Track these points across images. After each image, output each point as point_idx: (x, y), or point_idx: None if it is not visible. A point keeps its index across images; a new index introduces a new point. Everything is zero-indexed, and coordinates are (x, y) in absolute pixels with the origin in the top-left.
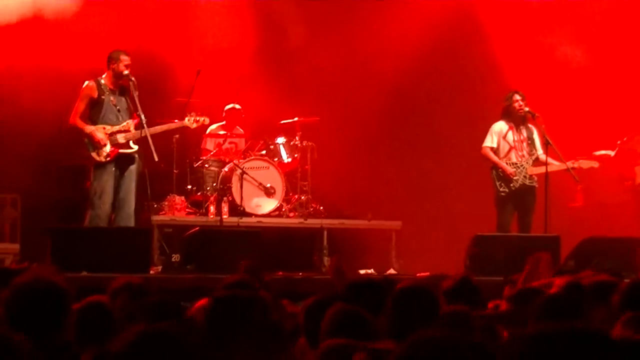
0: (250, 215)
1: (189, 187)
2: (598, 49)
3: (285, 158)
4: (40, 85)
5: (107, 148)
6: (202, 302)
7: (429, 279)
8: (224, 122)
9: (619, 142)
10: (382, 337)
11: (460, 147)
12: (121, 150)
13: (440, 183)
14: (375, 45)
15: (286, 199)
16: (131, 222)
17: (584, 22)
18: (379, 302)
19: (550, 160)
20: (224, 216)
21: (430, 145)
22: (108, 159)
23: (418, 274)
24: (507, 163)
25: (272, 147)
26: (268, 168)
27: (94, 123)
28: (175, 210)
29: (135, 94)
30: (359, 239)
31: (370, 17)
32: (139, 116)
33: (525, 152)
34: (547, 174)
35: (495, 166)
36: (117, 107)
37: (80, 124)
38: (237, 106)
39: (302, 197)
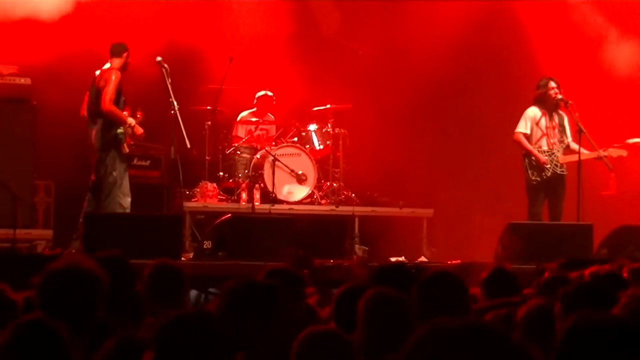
0: (282, 202)
1: (221, 174)
2: (632, 36)
3: (317, 145)
4: (75, 72)
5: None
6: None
7: (460, 266)
8: (255, 109)
9: None
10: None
11: (494, 134)
12: (132, 142)
13: (472, 171)
14: (408, 32)
15: (318, 186)
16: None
17: (619, 7)
18: (407, 286)
19: (582, 149)
20: (256, 203)
21: (463, 132)
22: (128, 150)
23: (449, 262)
24: (538, 150)
25: (304, 134)
26: (300, 155)
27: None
28: (207, 197)
29: (168, 81)
30: (391, 226)
31: (404, 3)
32: (172, 103)
33: (556, 140)
34: (580, 162)
35: (527, 154)
36: (124, 99)
37: (120, 113)
38: (269, 93)
39: (334, 184)
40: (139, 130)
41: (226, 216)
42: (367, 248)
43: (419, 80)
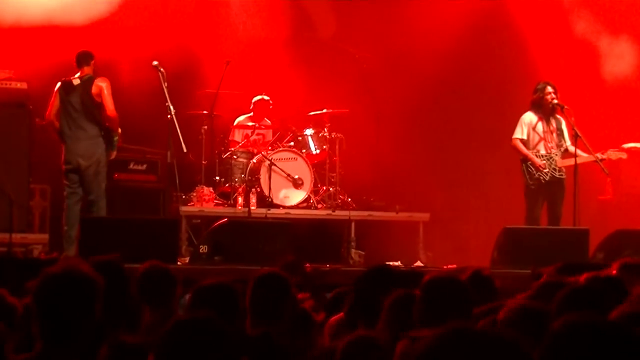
0: (278, 206)
1: (217, 178)
2: (628, 39)
3: (314, 149)
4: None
5: None
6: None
7: (456, 271)
8: (251, 114)
9: None
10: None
11: (490, 139)
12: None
13: (469, 175)
14: (405, 36)
15: (314, 191)
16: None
17: (615, 11)
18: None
19: (578, 152)
20: (252, 207)
21: (460, 137)
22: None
23: (445, 267)
24: (536, 155)
25: (300, 138)
26: (296, 159)
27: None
28: (204, 201)
29: (165, 85)
30: (387, 230)
31: (401, 8)
32: (168, 107)
33: (554, 144)
34: (576, 166)
35: (525, 158)
36: None
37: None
38: (266, 97)
39: (330, 189)
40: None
41: (222, 220)
42: (363, 252)
43: (416, 85)
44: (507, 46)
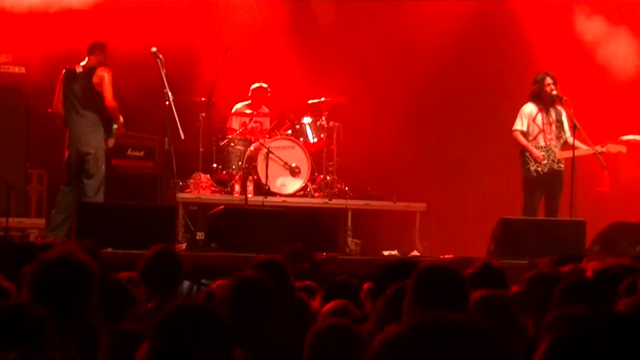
0: (275, 194)
1: (215, 165)
2: (629, 31)
3: (311, 138)
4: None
5: None
6: (222, 281)
7: (453, 261)
8: (249, 102)
9: None
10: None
11: (488, 129)
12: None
13: (466, 165)
14: (404, 25)
15: (311, 179)
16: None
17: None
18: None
19: (578, 144)
20: (249, 195)
21: (458, 127)
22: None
23: (442, 256)
24: (535, 146)
25: (298, 126)
26: (294, 148)
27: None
28: (201, 189)
29: (163, 72)
30: (384, 220)
31: None
32: (166, 94)
33: (553, 135)
34: (574, 158)
35: (524, 150)
36: None
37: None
38: (264, 85)
39: (328, 178)
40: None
41: (219, 208)
42: (359, 241)
43: (414, 73)
44: (507, 38)
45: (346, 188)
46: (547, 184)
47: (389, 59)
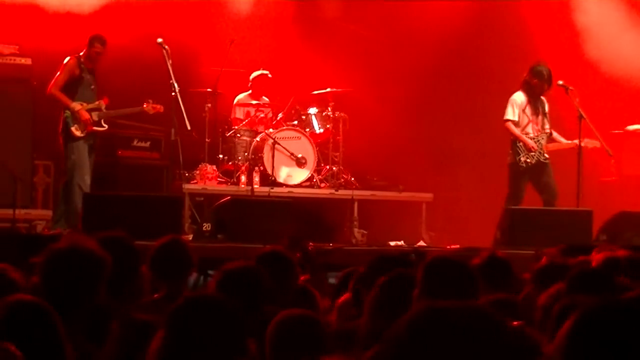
0: (281, 185)
1: (221, 156)
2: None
3: (317, 128)
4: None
5: (85, 125)
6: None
7: (459, 251)
8: (250, 92)
9: None
10: None
11: (493, 119)
12: (95, 128)
13: (472, 155)
14: (410, 16)
15: (317, 170)
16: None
17: None
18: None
19: (558, 137)
20: (255, 186)
21: (463, 116)
22: (83, 135)
23: (448, 247)
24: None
25: (304, 117)
26: (300, 138)
27: (72, 99)
28: (207, 180)
29: (169, 63)
30: (390, 210)
31: None
32: (172, 85)
33: (540, 126)
34: (580, 147)
35: (516, 140)
36: (92, 86)
37: (63, 97)
38: (264, 71)
39: (334, 168)
40: (84, 115)
41: (225, 199)
42: (366, 232)
43: (420, 64)
44: (511, 29)
45: (352, 179)
46: (532, 175)
47: (394, 49)
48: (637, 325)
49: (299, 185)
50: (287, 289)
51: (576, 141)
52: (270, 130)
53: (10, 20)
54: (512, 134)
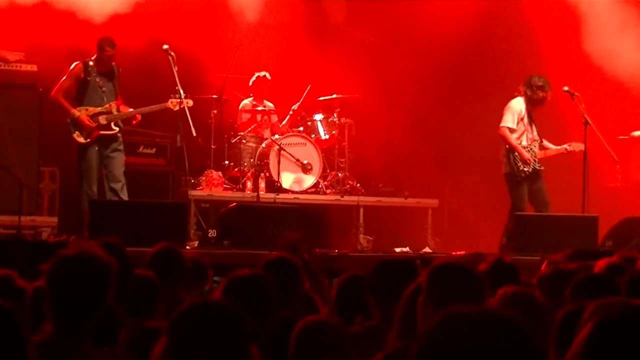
0: (287, 191)
1: (227, 162)
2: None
3: (323, 135)
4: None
5: (90, 130)
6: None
7: (465, 257)
8: (252, 96)
9: None
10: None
11: (499, 125)
12: (102, 132)
13: (477, 161)
14: (415, 22)
15: (323, 176)
16: (115, 197)
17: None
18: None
19: (547, 144)
20: (261, 192)
21: (469, 122)
22: (88, 140)
23: (454, 253)
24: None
25: (309, 123)
26: (305, 144)
27: (79, 103)
28: (213, 186)
29: (175, 69)
30: (395, 216)
31: None
32: (178, 91)
33: (533, 135)
34: (585, 153)
35: (512, 149)
36: (103, 89)
37: (65, 103)
38: (262, 74)
39: (339, 174)
40: (84, 121)
41: (231, 205)
42: (371, 238)
43: (425, 70)
44: (517, 35)
45: (358, 185)
46: (529, 183)
47: (400, 55)
48: None
49: (305, 192)
50: (293, 295)
51: (565, 146)
52: (276, 136)
53: (16, 26)
54: (507, 142)
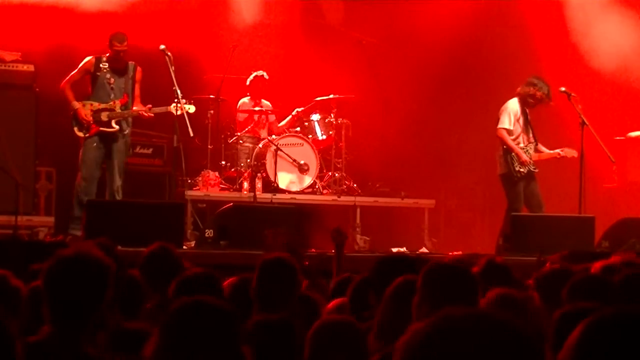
0: (283, 191)
1: (223, 162)
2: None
3: (320, 135)
4: (78, 59)
5: (88, 125)
6: (233, 279)
7: (461, 258)
8: (249, 96)
9: None
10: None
11: (496, 126)
12: (101, 128)
13: (474, 162)
14: (412, 22)
15: (320, 176)
16: (114, 199)
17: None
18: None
19: (541, 147)
20: (258, 192)
21: (466, 123)
22: (87, 135)
23: (450, 253)
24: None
25: (306, 123)
26: (302, 145)
27: (86, 97)
28: (209, 186)
29: (172, 69)
30: (392, 216)
31: None
32: (175, 91)
33: (529, 137)
34: (582, 154)
35: (509, 150)
36: (111, 86)
37: (69, 95)
38: (259, 73)
39: (336, 174)
40: (81, 115)
41: (228, 205)
42: (368, 238)
43: (422, 70)
44: (514, 36)
45: (355, 185)
46: (523, 184)
47: (396, 56)
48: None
49: (302, 192)
50: (290, 296)
51: (558, 150)
52: (273, 136)
53: (13, 26)
54: (505, 143)
